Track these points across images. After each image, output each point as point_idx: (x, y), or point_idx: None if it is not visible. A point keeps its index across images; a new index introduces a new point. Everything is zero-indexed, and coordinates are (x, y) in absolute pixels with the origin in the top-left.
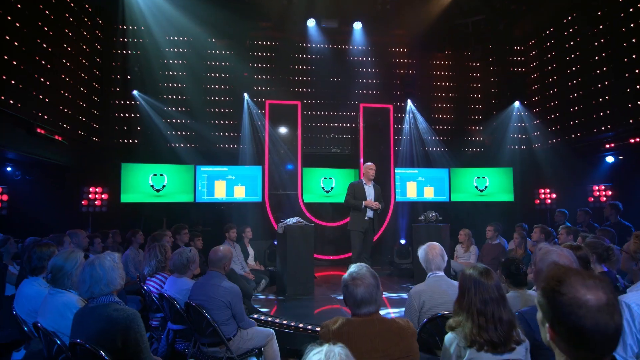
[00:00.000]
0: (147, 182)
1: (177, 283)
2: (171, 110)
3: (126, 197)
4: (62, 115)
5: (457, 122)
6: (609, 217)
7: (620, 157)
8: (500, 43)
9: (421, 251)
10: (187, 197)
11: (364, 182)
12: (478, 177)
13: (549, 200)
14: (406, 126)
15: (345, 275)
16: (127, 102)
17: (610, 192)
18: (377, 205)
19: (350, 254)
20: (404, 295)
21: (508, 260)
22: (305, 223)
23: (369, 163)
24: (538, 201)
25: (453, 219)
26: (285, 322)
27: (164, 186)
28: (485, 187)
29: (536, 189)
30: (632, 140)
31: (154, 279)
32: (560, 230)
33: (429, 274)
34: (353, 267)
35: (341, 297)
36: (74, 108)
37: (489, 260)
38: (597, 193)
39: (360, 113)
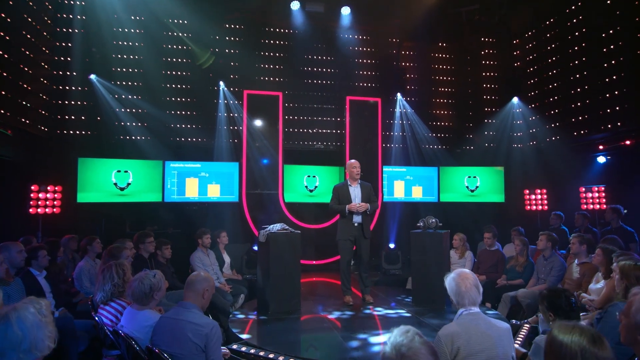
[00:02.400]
0: (109, 180)
1: (137, 318)
2: (136, 99)
3: (84, 197)
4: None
5: (451, 119)
6: (610, 221)
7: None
8: (497, 33)
9: (450, 282)
10: (154, 197)
11: (349, 182)
12: (469, 177)
13: (541, 202)
14: (397, 121)
15: (388, 348)
16: (85, 89)
17: (603, 195)
18: (363, 207)
19: (334, 259)
20: (404, 313)
21: (554, 292)
22: (291, 230)
23: (352, 161)
24: (528, 202)
25: (442, 222)
26: (271, 356)
27: (128, 184)
28: (476, 187)
29: (528, 190)
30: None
31: (108, 307)
32: (572, 239)
33: (460, 311)
34: (398, 336)
35: (332, 316)
36: (17, 92)
37: (487, 268)
38: (590, 194)
39: (347, 106)
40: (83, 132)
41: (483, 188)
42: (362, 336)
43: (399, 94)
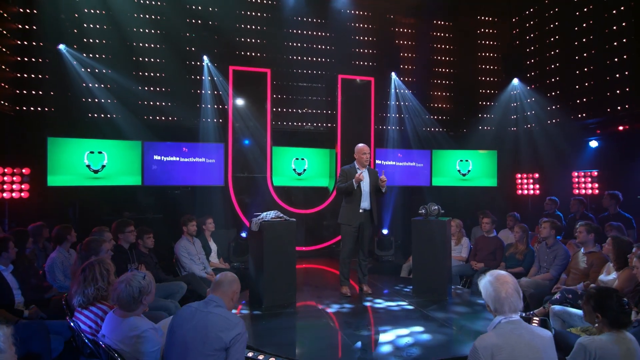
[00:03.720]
0: (82, 161)
1: (122, 327)
2: (112, 74)
3: (54, 180)
4: None
5: (448, 100)
6: (607, 207)
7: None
8: (497, 11)
9: (487, 286)
10: (133, 180)
11: (357, 166)
12: (461, 160)
13: (532, 186)
14: (392, 102)
15: None
16: (53, 61)
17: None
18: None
19: (326, 244)
20: (406, 306)
21: (604, 291)
22: (286, 218)
23: (362, 145)
24: (520, 187)
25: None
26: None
27: (103, 166)
28: (468, 170)
29: (519, 174)
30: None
31: (86, 312)
32: (579, 228)
33: (498, 319)
34: None
35: (331, 310)
36: None
37: (485, 255)
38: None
39: (339, 85)
40: (52, 110)
41: (475, 172)
42: (367, 333)
43: (393, 74)
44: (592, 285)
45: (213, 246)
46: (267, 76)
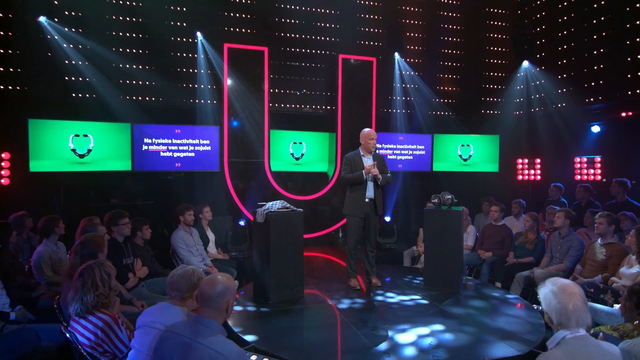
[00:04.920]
0: (67, 145)
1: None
2: (99, 49)
3: (37, 165)
4: None
5: (454, 83)
6: (615, 195)
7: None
8: None
9: (550, 297)
10: (122, 165)
11: (361, 153)
12: (462, 145)
13: (534, 172)
14: (396, 84)
15: None
16: (36, 35)
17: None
18: (377, 170)
19: (325, 232)
20: (420, 300)
21: None
22: (293, 208)
23: (369, 130)
24: (520, 172)
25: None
26: None
27: (89, 150)
28: (470, 155)
29: (521, 159)
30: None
31: (84, 322)
32: (599, 219)
33: (562, 334)
34: None
35: (343, 306)
36: None
37: (493, 244)
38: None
39: (339, 65)
40: (34, 89)
41: (477, 157)
42: (386, 333)
43: (396, 54)
44: (614, 278)
45: (211, 236)
46: (265, 55)
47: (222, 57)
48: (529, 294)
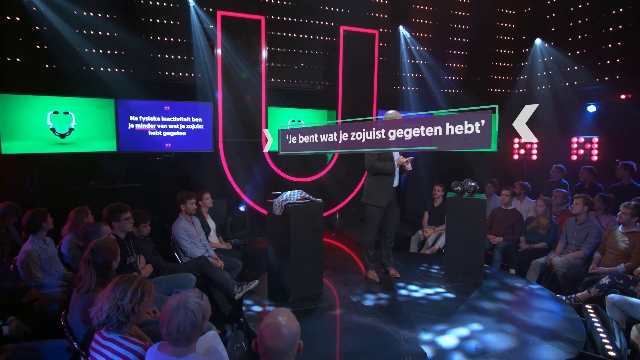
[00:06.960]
0: (45, 124)
1: None
2: (81, 13)
3: (10, 147)
4: None
5: (463, 59)
6: (620, 178)
7: None
8: None
9: None
10: (106, 145)
11: None
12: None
13: (530, 151)
14: (404, 60)
15: None
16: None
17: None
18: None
19: (324, 215)
20: (445, 293)
21: None
22: (312, 199)
23: (392, 112)
24: (517, 152)
25: (436, 173)
26: None
27: (71, 129)
28: None
29: (518, 138)
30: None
31: (112, 345)
32: (623, 209)
33: None
34: None
35: (368, 303)
36: None
37: (503, 229)
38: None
39: (341, 38)
40: (8, 59)
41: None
42: (426, 335)
43: (401, 27)
44: (638, 268)
45: (211, 224)
46: (262, 24)
47: (215, 26)
48: (546, 281)
